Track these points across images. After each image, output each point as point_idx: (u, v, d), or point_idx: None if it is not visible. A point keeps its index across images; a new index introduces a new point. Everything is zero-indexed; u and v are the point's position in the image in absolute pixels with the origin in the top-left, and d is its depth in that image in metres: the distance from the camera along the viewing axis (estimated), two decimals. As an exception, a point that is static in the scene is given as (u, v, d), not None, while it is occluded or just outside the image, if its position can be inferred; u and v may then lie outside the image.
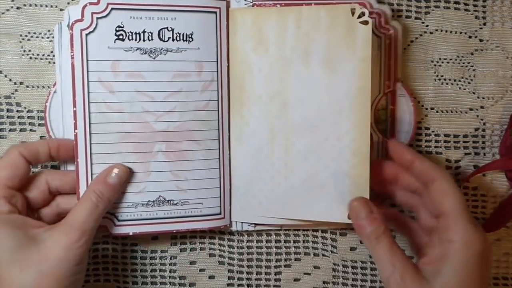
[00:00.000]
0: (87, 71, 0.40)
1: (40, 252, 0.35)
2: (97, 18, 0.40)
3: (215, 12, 0.42)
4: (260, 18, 0.41)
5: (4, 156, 0.39)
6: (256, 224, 0.44)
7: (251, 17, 0.42)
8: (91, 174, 0.40)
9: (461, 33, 0.45)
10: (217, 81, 0.42)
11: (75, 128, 0.40)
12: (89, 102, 0.40)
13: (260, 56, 0.42)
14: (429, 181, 0.37)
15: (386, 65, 0.43)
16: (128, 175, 0.41)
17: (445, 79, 0.45)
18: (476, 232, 0.35)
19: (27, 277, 0.35)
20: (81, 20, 0.39)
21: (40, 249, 0.36)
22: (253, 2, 0.43)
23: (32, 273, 0.35)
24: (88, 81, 0.40)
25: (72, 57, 0.40)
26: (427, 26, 0.45)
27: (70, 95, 0.40)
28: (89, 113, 0.40)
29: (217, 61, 0.42)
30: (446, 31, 0.45)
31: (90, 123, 0.40)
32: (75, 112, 0.40)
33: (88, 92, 0.40)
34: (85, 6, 0.39)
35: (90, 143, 0.41)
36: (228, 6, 0.42)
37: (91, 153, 0.41)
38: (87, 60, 0.40)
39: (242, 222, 0.44)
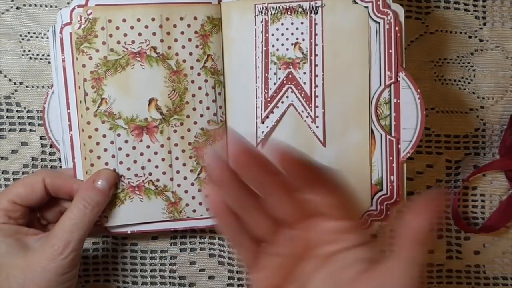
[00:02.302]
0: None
1: (27, 260, 0.36)
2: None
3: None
4: (244, 10, 0.41)
5: (31, 175, 0.39)
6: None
7: (239, 10, 0.41)
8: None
9: (461, 33, 0.45)
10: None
11: (70, 129, 0.40)
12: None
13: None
14: None
15: (386, 53, 0.40)
16: (116, 178, 0.40)
17: (445, 79, 0.45)
18: None
19: (13, 283, 0.35)
20: (69, 23, 0.39)
21: (27, 256, 0.36)
22: None
23: (18, 279, 0.35)
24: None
25: (63, 60, 0.40)
26: (427, 26, 0.45)
27: (64, 96, 0.40)
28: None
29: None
30: (446, 31, 0.45)
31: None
32: (69, 114, 0.40)
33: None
34: (73, 9, 0.39)
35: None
36: (220, 0, 0.42)
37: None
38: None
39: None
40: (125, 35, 0.40)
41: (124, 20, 0.40)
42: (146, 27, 0.40)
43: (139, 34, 0.40)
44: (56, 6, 0.43)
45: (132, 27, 0.40)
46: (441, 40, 0.45)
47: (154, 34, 0.40)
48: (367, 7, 0.40)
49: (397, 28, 0.39)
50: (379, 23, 0.40)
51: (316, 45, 0.41)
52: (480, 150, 0.46)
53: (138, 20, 0.40)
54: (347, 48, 0.40)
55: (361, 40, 0.40)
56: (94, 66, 0.40)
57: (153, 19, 0.40)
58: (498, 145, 0.45)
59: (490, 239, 0.46)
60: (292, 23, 0.41)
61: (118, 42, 0.40)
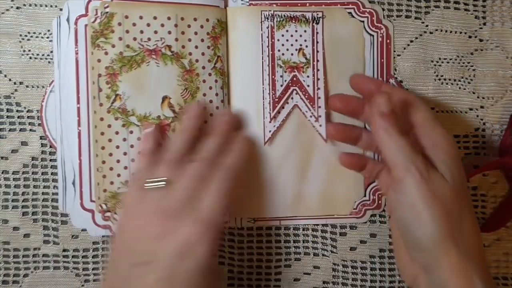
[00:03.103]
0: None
1: None
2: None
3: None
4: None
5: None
6: (255, 220, 0.45)
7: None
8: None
9: (461, 33, 0.45)
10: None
11: (79, 125, 0.41)
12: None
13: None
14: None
15: (379, 62, 0.44)
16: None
17: (445, 79, 0.45)
18: (450, 135, 0.38)
19: None
20: (85, 15, 0.40)
21: None
22: (250, 2, 0.43)
23: None
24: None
25: (76, 53, 0.40)
26: (427, 26, 0.45)
27: (69, 91, 0.41)
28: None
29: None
30: (446, 31, 0.45)
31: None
32: (78, 108, 0.41)
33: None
34: (89, 1, 0.40)
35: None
36: (226, 5, 0.43)
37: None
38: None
39: (241, 218, 0.44)
40: (142, 32, 0.40)
41: (141, 17, 0.40)
42: (162, 25, 0.40)
43: (155, 32, 0.40)
44: (56, 6, 0.43)
45: (148, 25, 0.40)
46: (441, 40, 0.45)
47: (169, 32, 0.40)
48: (362, 21, 0.44)
49: (388, 40, 0.44)
50: (373, 35, 0.44)
51: (317, 51, 0.44)
52: (480, 150, 0.46)
53: (155, 18, 0.40)
54: (344, 55, 0.44)
55: (357, 49, 0.44)
56: (110, 62, 0.40)
57: (169, 18, 0.40)
58: (498, 145, 0.45)
59: (490, 239, 0.46)
60: (296, 31, 0.43)
61: (134, 39, 0.40)
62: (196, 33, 0.41)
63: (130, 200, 0.37)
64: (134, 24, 0.40)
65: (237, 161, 0.39)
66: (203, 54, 0.41)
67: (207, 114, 0.42)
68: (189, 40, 0.41)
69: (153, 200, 0.36)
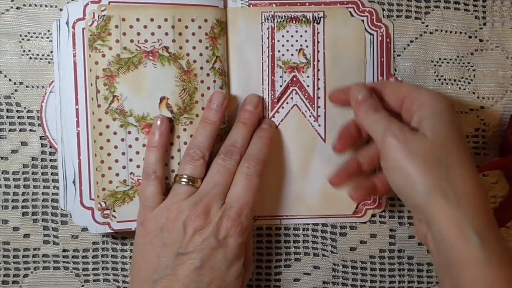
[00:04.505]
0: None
1: None
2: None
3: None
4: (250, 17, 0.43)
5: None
6: (255, 219, 0.45)
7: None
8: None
9: (461, 33, 0.45)
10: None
11: (77, 125, 0.41)
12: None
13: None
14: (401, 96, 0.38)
15: (379, 61, 0.44)
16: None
17: (445, 79, 0.45)
18: (439, 93, 0.37)
19: None
20: (83, 18, 0.40)
21: None
22: (249, 2, 0.43)
23: None
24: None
25: (74, 55, 0.40)
26: (427, 26, 0.45)
27: (69, 92, 0.41)
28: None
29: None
30: (446, 31, 0.45)
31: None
32: (77, 110, 0.41)
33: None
34: (86, 4, 0.40)
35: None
36: (225, 6, 0.43)
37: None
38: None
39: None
40: (138, 34, 0.40)
41: (137, 19, 0.40)
42: (159, 27, 0.40)
43: (152, 34, 0.40)
44: (56, 6, 0.43)
45: (145, 27, 0.40)
46: (441, 40, 0.45)
47: (166, 34, 0.41)
48: (362, 20, 0.44)
49: (387, 39, 0.44)
50: (373, 34, 0.44)
51: (318, 51, 0.44)
52: (480, 150, 0.46)
53: (152, 20, 0.40)
54: (345, 55, 0.44)
55: (357, 48, 0.44)
56: (107, 64, 0.40)
57: (165, 20, 0.40)
58: (498, 145, 0.45)
59: (490, 239, 0.46)
60: (296, 31, 0.44)
61: (131, 41, 0.40)
62: (194, 34, 0.41)
63: (150, 191, 0.39)
64: (131, 27, 0.40)
65: (263, 154, 0.41)
66: (201, 54, 0.41)
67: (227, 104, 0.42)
68: (187, 41, 0.41)
69: (181, 194, 0.39)
